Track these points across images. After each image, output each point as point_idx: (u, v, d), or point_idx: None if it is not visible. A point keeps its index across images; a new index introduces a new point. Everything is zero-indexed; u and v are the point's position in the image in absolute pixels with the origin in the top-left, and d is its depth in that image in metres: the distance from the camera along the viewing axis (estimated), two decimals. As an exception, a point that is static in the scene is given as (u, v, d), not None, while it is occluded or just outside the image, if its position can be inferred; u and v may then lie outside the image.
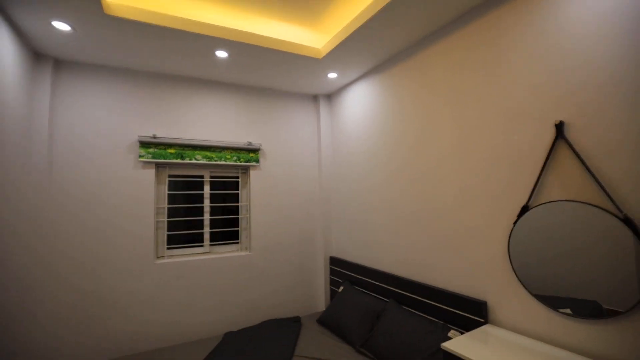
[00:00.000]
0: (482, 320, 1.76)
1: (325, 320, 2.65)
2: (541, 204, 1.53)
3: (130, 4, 1.92)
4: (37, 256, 2.25)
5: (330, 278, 3.20)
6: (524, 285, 1.60)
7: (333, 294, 3.12)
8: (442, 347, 1.54)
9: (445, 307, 1.96)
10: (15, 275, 2.06)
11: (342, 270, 3.01)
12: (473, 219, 1.88)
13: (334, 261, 3.15)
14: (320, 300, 3.23)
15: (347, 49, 2.35)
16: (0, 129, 1.82)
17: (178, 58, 2.43)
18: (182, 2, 2.06)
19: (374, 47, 2.33)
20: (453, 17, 1.98)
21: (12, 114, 1.96)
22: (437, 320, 1.98)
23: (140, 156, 2.58)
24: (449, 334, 1.84)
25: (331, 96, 3.38)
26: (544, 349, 1.45)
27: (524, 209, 1.60)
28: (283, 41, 2.36)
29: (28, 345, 2.18)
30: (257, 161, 3.05)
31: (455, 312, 1.90)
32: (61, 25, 1.93)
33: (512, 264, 1.65)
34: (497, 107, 1.76)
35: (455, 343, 1.53)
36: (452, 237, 2.00)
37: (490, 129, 1.80)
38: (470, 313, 1.82)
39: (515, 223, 1.63)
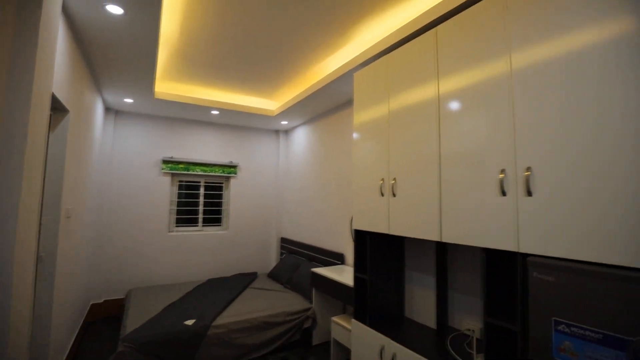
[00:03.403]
0: (340, 263, 3.47)
1: (272, 274, 4.33)
2: (361, 205, 3.25)
3: (167, 91, 3.61)
4: (103, 225, 3.90)
5: (280, 251, 4.90)
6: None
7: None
8: (311, 271, 3.24)
9: (326, 258, 3.68)
10: (93, 235, 3.71)
11: (287, 246, 4.71)
12: (340, 213, 3.60)
13: (283, 240, 4.84)
14: (272, 263, 4.94)
15: (289, 112, 4.07)
16: (94, 149, 3.47)
17: (189, 113, 4.13)
18: (195, 88, 3.74)
19: (303, 112, 4.06)
20: (337, 104, 3.71)
21: (98, 141, 3.62)
22: (320, 264, 3.69)
23: (162, 169, 4.26)
24: (326, 271, 3.54)
25: (288, 131, 5.10)
26: (355, 271, 3.15)
27: (357, 207, 3.31)
28: (251, 107, 4.07)
29: (100, 268, 3.83)
30: (236, 173, 4.74)
31: (330, 260, 3.61)
32: (129, 100, 3.61)
33: (351, 234, 3.36)
34: (349, 159, 3.49)
35: (318, 269, 3.23)
36: (331, 221, 3.73)
37: (347, 169, 3.52)
38: (337, 260, 3.53)
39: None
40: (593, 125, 1.17)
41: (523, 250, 1.37)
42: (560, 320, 1.21)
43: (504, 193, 1.44)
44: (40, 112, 1.32)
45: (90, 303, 3.77)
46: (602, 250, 1.13)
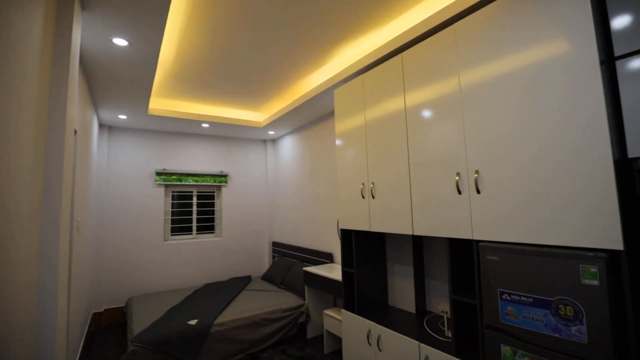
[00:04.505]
0: (329, 261, 3.75)
1: (265, 276, 4.57)
2: (347, 207, 3.55)
3: (160, 107, 3.82)
4: (103, 237, 4.06)
5: (273, 254, 5.14)
6: (343, 243, 3.60)
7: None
8: (303, 270, 3.51)
9: (316, 258, 3.95)
10: (93, 247, 3.87)
11: (279, 249, 4.95)
12: (328, 216, 3.89)
13: (275, 244, 5.09)
14: (264, 266, 5.18)
15: (275, 123, 4.34)
16: (93, 165, 3.65)
17: (181, 126, 4.35)
18: (186, 104, 3.97)
19: (289, 123, 4.34)
20: (321, 115, 4.01)
21: (95, 157, 3.79)
22: (311, 264, 3.97)
23: (156, 180, 4.44)
24: (317, 270, 3.82)
25: (275, 141, 5.36)
26: (344, 268, 3.44)
27: (343, 209, 3.61)
28: (239, 119, 4.33)
29: (100, 279, 3.97)
30: (226, 182, 4.97)
31: (320, 260, 3.89)
32: (122, 116, 3.81)
33: (338, 234, 3.65)
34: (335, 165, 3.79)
35: (309, 268, 3.50)
36: (320, 224, 4.01)
37: (334, 174, 3.82)
38: (326, 259, 3.81)
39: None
40: (525, 136, 1.50)
41: (476, 237, 1.69)
42: (504, 290, 1.53)
43: (459, 192, 1.76)
44: (70, 140, 1.55)
45: (92, 312, 3.91)
46: (530, 233, 1.46)
